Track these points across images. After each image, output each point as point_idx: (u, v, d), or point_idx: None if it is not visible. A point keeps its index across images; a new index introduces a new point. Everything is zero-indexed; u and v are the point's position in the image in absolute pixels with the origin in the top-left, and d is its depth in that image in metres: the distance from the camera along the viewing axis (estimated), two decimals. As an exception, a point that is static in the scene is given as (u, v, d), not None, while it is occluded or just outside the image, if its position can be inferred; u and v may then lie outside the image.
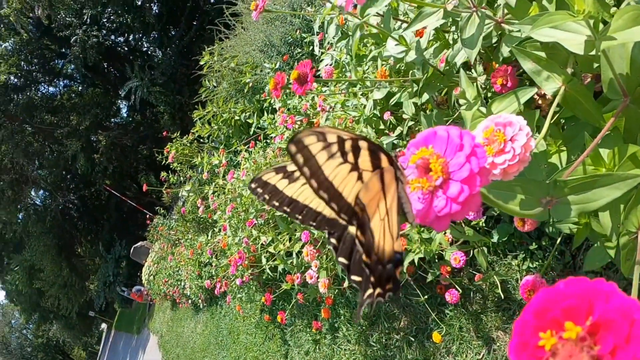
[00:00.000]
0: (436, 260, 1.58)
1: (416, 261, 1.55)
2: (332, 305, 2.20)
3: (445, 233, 1.47)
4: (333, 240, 0.55)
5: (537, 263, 1.38)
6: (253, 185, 0.58)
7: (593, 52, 0.52)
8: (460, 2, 0.68)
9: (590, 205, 0.44)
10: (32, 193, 15.19)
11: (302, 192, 0.57)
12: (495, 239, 1.49)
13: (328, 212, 0.55)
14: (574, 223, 0.78)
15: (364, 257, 0.50)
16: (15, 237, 14.95)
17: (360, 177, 0.50)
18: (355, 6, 0.93)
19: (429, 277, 1.59)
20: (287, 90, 1.88)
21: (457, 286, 1.51)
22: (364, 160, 0.49)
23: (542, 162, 0.68)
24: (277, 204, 0.57)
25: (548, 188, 0.45)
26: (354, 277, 0.53)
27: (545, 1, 0.70)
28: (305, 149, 0.47)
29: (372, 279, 0.50)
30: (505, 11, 0.75)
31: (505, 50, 0.79)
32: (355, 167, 0.49)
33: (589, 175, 0.43)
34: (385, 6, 0.92)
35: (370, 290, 0.50)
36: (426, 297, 1.66)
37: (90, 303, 15.01)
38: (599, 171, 0.57)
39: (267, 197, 0.57)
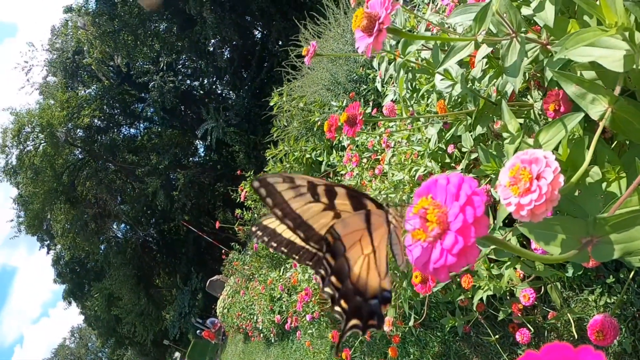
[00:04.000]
0: (507, 298, 1.49)
1: (485, 299, 1.48)
2: (400, 344, 2.13)
3: (515, 268, 1.39)
4: (322, 272, 0.58)
5: (614, 298, 1.28)
6: (255, 230, 0.64)
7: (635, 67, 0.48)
8: (498, 29, 0.66)
9: (634, 245, 0.39)
10: (114, 226, 16.29)
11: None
12: (570, 273, 1.39)
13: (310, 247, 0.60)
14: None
15: (333, 278, 0.55)
16: (96, 266, 16.04)
17: (337, 216, 0.55)
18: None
19: (500, 316, 1.51)
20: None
21: (529, 325, 1.41)
22: (342, 202, 0.55)
23: (598, 192, 0.62)
24: (275, 244, 0.62)
25: (587, 226, 0.41)
26: (337, 308, 0.57)
27: (586, 16, 0.65)
28: (270, 186, 0.53)
29: (342, 303, 0.54)
30: (548, 32, 0.71)
31: (549, 74, 0.75)
32: (330, 207, 0.55)
33: (629, 211, 0.39)
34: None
35: (354, 321, 0.54)
36: (497, 336, 1.57)
37: (165, 332, 15.49)
38: (654, 202, 0.51)
39: (266, 239, 0.63)
